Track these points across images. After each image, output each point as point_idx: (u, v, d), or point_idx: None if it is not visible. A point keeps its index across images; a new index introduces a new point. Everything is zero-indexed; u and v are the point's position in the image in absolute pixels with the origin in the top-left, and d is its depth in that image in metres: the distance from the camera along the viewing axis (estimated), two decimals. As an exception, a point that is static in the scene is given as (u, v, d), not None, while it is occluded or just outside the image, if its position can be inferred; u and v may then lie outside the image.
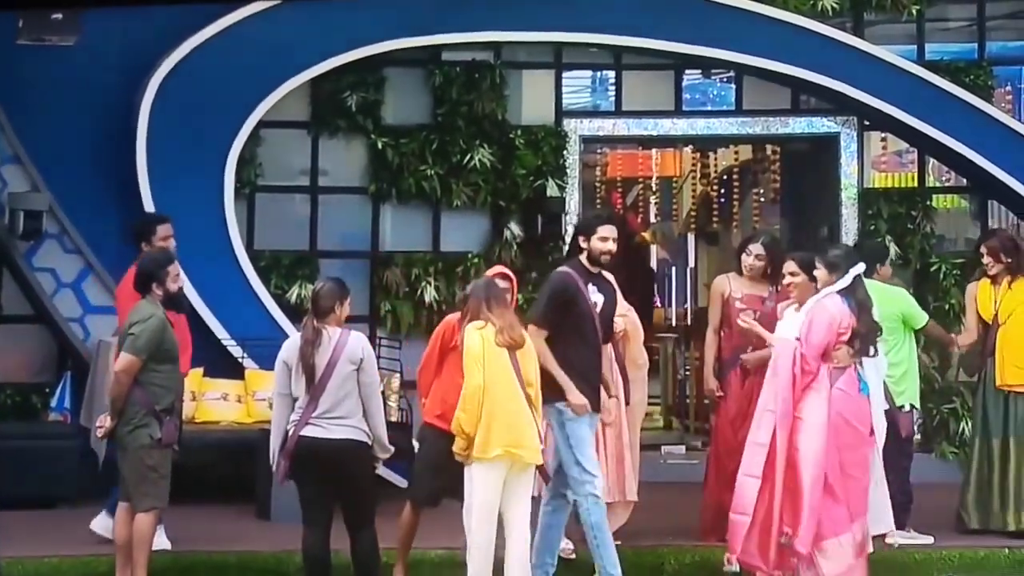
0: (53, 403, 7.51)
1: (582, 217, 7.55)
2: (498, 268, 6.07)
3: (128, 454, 5.48)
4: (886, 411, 6.36)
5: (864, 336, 5.67)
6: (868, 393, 5.71)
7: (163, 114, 7.43)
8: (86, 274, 7.70)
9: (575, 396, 5.56)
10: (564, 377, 5.57)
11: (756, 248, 6.48)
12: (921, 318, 6.71)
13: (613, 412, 6.00)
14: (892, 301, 6.58)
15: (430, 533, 5.88)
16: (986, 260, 6.78)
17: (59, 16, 6.92)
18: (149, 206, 7.35)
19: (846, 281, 5.71)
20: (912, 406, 6.68)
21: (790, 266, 5.97)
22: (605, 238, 5.70)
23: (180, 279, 5.71)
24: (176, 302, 5.67)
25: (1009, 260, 6.72)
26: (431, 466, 5.67)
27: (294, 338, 5.48)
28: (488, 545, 5.35)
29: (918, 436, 8.21)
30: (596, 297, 5.70)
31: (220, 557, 6.12)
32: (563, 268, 5.79)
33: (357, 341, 5.42)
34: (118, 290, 6.34)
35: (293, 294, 7.88)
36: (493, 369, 5.34)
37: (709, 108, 8.87)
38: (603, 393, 5.77)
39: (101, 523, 6.16)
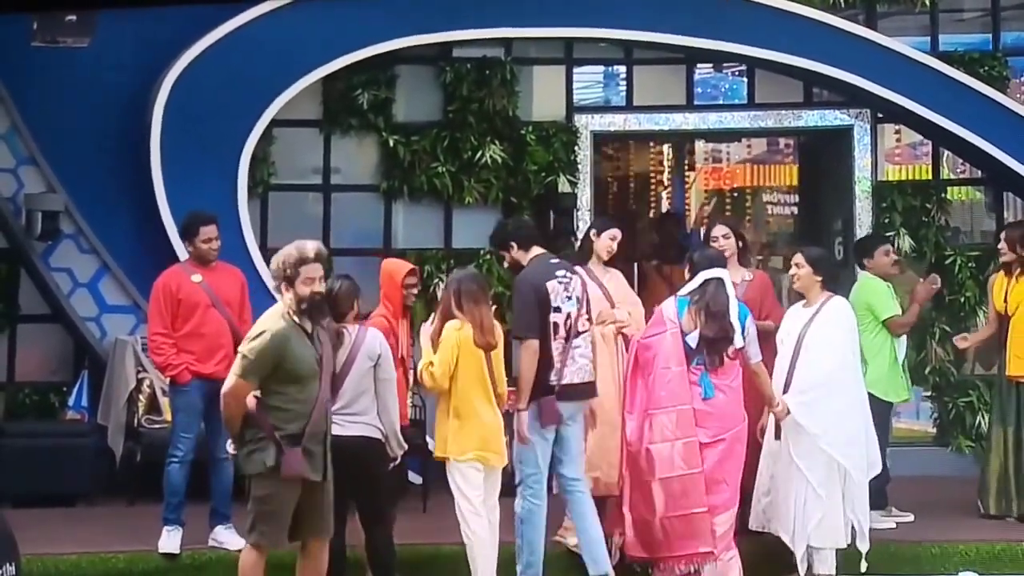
0: (70, 402, 7.54)
1: None
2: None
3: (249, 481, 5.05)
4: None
5: (711, 342, 5.53)
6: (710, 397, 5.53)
7: (177, 114, 7.46)
8: (102, 274, 7.74)
9: None
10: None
11: (721, 230, 6.29)
12: (884, 310, 6.54)
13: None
14: (858, 291, 6.62)
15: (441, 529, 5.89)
16: (1001, 246, 6.78)
17: (73, 18, 6.96)
18: (163, 205, 7.39)
19: (693, 284, 5.67)
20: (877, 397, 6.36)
21: (797, 257, 5.97)
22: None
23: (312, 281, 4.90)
24: (317, 309, 4.92)
25: (1022, 252, 6.65)
26: None
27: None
28: (489, 536, 5.40)
29: (933, 429, 8.23)
30: None
31: (234, 554, 6.13)
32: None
33: (374, 337, 5.44)
34: None
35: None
36: (468, 371, 5.39)
37: (721, 102, 8.82)
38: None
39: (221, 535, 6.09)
